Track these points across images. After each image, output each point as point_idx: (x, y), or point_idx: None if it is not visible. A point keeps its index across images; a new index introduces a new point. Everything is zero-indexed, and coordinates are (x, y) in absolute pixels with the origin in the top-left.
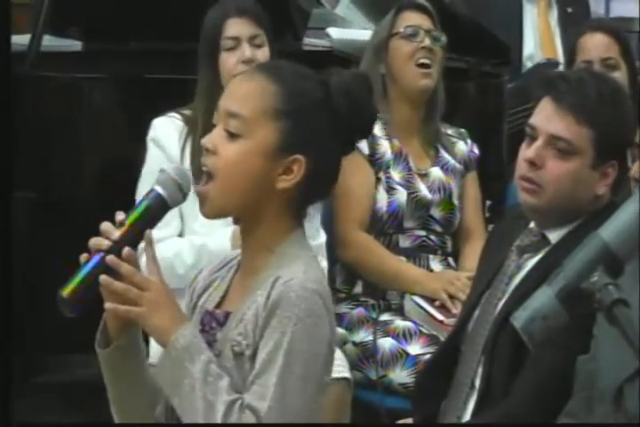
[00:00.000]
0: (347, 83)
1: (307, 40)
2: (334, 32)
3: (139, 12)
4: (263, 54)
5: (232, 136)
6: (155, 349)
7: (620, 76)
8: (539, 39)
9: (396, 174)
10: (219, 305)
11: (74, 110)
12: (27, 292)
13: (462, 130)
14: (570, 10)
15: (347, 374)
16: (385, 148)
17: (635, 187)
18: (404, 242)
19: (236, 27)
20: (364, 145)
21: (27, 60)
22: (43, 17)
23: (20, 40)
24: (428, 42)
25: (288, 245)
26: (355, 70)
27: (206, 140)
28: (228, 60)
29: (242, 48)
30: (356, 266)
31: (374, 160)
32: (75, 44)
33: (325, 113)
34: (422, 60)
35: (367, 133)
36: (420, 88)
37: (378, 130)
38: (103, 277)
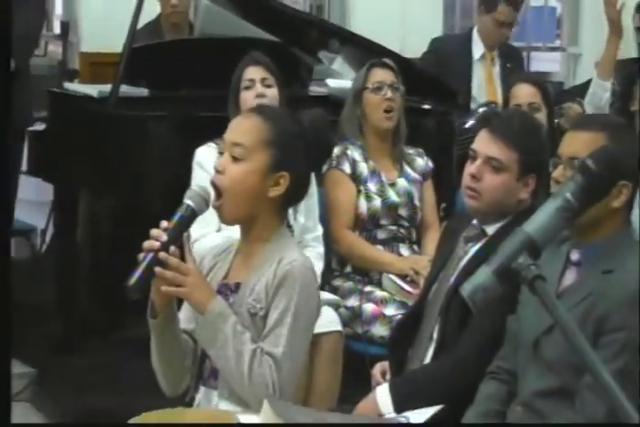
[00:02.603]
0: (315, 120)
1: (311, 88)
2: (331, 82)
3: (190, 67)
4: (272, 92)
5: (236, 160)
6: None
7: (542, 115)
8: (484, 87)
9: (372, 187)
10: (224, 278)
11: (143, 140)
12: (114, 272)
13: (420, 149)
14: (509, 65)
15: (340, 328)
16: (363, 168)
17: (554, 188)
18: (381, 235)
19: (252, 72)
20: (347, 167)
21: (109, 104)
22: (120, 72)
23: (105, 89)
24: (390, 94)
25: (278, 236)
26: (318, 110)
27: (218, 164)
28: (246, 96)
29: (256, 87)
30: (345, 257)
31: (355, 177)
32: (143, 91)
33: (301, 142)
34: (386, 108)
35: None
36: (385, 128)
37: (357, 155)
38: (158, 269)
